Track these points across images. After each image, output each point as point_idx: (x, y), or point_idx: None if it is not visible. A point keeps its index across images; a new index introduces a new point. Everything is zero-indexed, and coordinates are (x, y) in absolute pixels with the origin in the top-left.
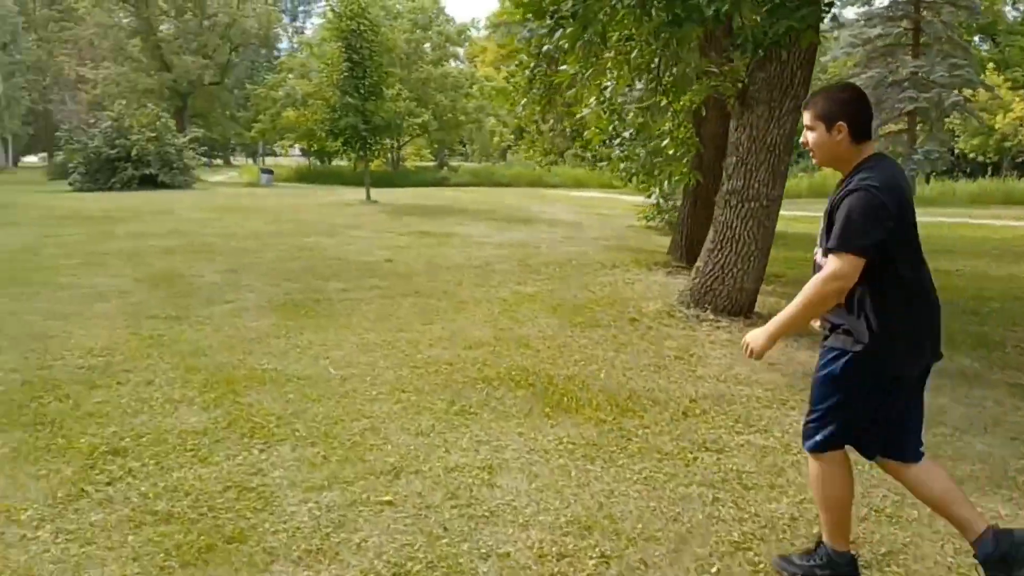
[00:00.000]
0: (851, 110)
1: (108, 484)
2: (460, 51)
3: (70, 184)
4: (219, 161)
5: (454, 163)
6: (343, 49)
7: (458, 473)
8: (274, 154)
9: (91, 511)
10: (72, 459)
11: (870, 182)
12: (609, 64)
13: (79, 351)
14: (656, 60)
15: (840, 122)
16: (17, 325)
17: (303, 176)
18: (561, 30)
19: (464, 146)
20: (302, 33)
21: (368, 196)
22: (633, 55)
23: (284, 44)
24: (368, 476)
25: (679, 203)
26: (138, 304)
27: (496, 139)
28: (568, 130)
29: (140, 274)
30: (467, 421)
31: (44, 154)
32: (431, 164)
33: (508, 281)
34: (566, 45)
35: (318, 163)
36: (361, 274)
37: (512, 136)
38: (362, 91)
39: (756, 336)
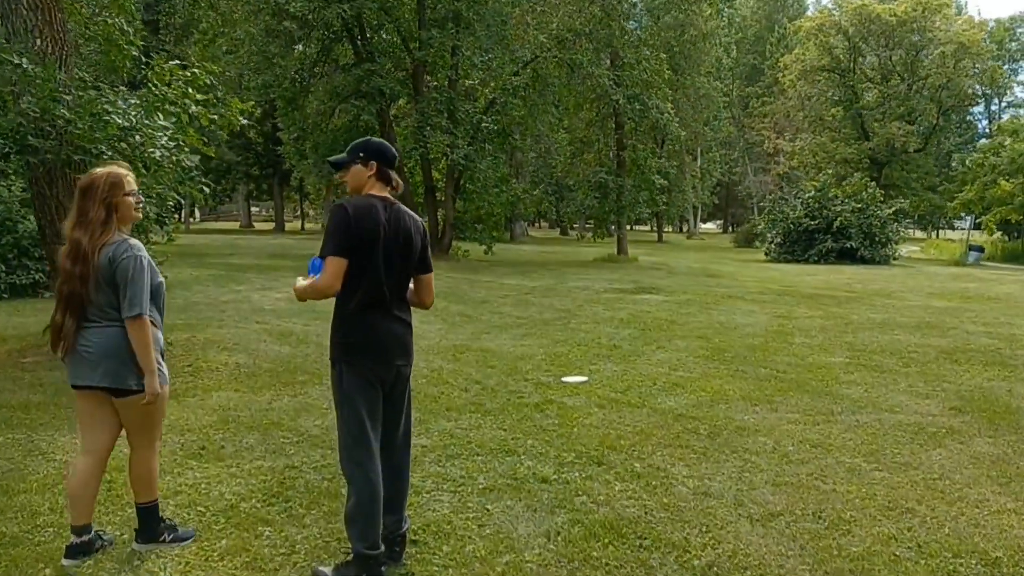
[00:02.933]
0: None
1: None
2: None
3: (765, 253)
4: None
5: None
6: None
7: None
8: (950, 227)
9: None
10: None
11: None
12: None
13: (982, 566)
14: None
15: None
16: (858, 486)
17: (1011, 255)
18: None
19: None
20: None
21: None
22: None
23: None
24: None
25: None
26: (995, 462)
27: None
28: None
29: (947, 396)
30: None
31: (720, 221)
32: None
33: None
34: None
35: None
36: None
37: None
38: None
39: None
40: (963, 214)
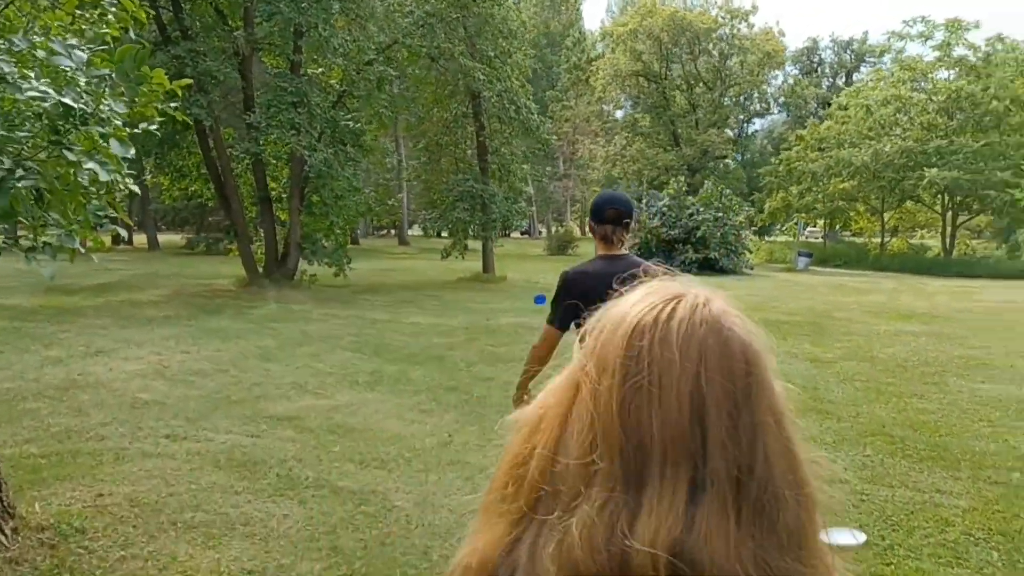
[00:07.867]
0: None
1: None
2: None
3: None
4: None
5: None
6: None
7: None
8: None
9: None
10: None
11: None
12: None
13: None
14: None
15: None
16: None
17: (819, 259)
18: None
19: None
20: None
21: None
22: None
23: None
24: None
25: None
26: None
27: None
28: None
29: None
30: None
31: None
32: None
33: None
34: None
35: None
36: None
37: None
38: None
39: None
40: (789, 223)
